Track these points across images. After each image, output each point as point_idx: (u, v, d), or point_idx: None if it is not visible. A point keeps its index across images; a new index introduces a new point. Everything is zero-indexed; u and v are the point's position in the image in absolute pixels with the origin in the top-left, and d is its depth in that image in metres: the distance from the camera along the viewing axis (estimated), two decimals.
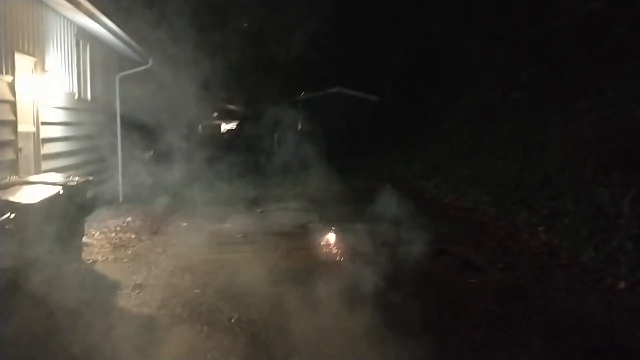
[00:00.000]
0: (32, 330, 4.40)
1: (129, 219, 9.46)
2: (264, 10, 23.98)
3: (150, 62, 12.55)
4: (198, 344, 4.37)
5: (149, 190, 11.39)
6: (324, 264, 6.92)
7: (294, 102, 23.48)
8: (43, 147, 8.13)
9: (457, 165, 13.50)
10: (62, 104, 9.04)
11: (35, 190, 5.41)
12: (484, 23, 17.40)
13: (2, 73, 6.67)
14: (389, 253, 6.97)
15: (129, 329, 4.56)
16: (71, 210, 5.89)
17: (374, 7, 23.05)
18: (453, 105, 17.66)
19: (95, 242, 7.69)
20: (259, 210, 10.77)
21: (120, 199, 11.37)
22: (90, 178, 6.91)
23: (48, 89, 8.29)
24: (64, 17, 9.07)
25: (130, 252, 7.30)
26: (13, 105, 6.98)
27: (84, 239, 7.03)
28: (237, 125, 26.94)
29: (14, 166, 6.97)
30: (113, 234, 8.29)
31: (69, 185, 5.90)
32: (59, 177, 6.34)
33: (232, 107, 26.51)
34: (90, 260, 6.78)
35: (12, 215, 4.65)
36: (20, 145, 7.19)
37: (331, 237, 8.60)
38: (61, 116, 9.02)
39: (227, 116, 27.36)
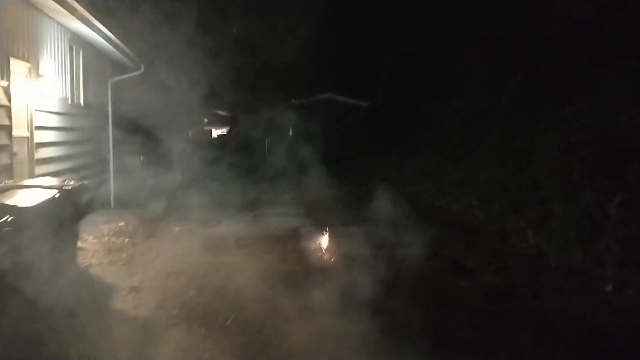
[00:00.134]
0: (30, 331, 4.44)
1: (121, 223, 9.49)
2: (255, 16, 24.10)
3: (142, 68, 12.60)
4: (196, 343, 4.43)
5: (141, 196, 11.40)
6: (317, 267, 7.01)
7: (285, 108, 23.57)
8: (37, 151, 8.16)
9: (447, 170, 13.66)
10: (56, 109, 9.07)
11: (32, 194, 5.45)
12: (474, 30, 17.64)
13: None
14: (382, 256, 7.06)
15: (126, 329, 4.61)
16: (67, 213, 5.92)
17: (365, 14, 23.26)
18: (443, 111, 17.86)
19: (89, 247, 7.72)
20: (252, 214, 10.84)
21: (112, 204, 11.38)
22: (86, 182, 6.96)
23: (42, 94, 8.33)
24: (58, 23, 9.12)
25: (124, 255, 7.34)
26: (8, 110, 7.01)
27: (78, 244, 7.06)
28: (228, 131, 27.00)
29: (8, 170, 7.00)
30: (106, 239, 8.33)
31: (65, 189, 5.94)
32: (54, 181, 6.39)
33: (223, 113, 26.57)
34: (85, 264, 6.82)
35: (10, 218, 4.69)
36: (15, 149, 7.22)
37: (324, 241, 8.69)
38: (54, 121, 9.05)
39: (218, 122, 27.42)
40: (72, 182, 6.36)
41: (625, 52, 10.48)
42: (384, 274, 6.08)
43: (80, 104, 10.63)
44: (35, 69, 8.07)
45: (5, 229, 4.60)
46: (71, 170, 9.82)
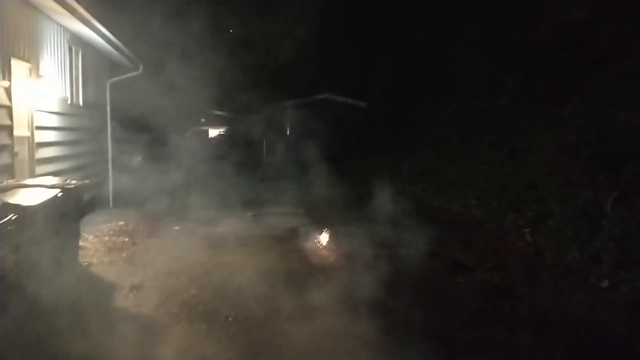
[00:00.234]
0: (32, 329, 4.49)
1: (121, 222, 9.52)
2: (254, 16, 24.13)
3: (141, 68, 12.63)
4: (197, 342, 4.48)
5: (140, 195, 11.44)
6: (317, 266, 7.05)
7: (282, 108, 23.61)
8: (37, 151, 8.19)
9: (445, 170, 13.72)
10: (56, 109, 9.10)
11: (34, 193, 5.49)
12: (471, 30, 17.70)
13: None
14: (381, 255, 7.12)
15: (128, 328, 4.66)
16: (69, 212, 5.97)
17: (364, 13, 23.31)
18: (441, 111, 17.91)
19: (89, 246, 7.75)
20: (250, 214, 10.88)
21: (111, 204, 11.41)
22: (87, 181, 7.00)
23: (42, 94, 8.36)
24: (58, 23, 9.16)
25: (125, 255, 7.38)
26: (9, 110, 7.04)
27: (79, 242, 7.10)
28: (226, 131, 27.03)
29: (9, 170, 7.03)
30: (107, 238, 8.36)
31: (67, 188, 5.98)
32: (56, 180, 6.42)
33: (220, 113, 26.59)
34: (87, 263, 6.86)
35: (14, 217, 4.73)
36: (16, 149, 7.25)
37: (323, 240, 8.73)
38: (54, 121, 9.09)
39: (216, 122, 27.44)
40: (73, 182, 6.40)
41: (622, 52, 10.55)
42: (383, 273, 6.14)
43: (80, 104, 10.66)
44: (35, 70, 8.11)
45: (9, 227, 4.64)
46: (71, 170, 9.84)
